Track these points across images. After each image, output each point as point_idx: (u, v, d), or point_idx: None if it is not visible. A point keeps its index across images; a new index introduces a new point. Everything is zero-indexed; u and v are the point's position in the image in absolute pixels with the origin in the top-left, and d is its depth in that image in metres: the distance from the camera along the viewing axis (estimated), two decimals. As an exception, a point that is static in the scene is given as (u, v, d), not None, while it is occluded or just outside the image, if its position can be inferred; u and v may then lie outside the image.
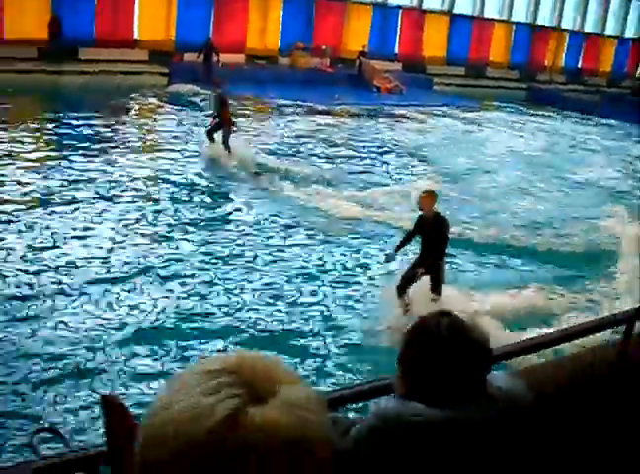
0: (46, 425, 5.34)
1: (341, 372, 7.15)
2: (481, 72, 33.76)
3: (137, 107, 20.69)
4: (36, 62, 22.43)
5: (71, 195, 11.94)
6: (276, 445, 0.80)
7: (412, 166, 16.95)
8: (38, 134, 16.39)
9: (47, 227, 10.28)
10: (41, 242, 9.71)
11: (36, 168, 13.38)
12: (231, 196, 13.25)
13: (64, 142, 15.62)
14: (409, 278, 8.40)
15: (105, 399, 1.18)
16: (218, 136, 15.06)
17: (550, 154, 20.40)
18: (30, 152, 14.49)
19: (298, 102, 22.87)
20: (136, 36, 25.50)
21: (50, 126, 17.38)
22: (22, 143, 15.08)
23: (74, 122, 17.45)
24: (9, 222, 10.34)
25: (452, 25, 33.26)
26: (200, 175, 14.13)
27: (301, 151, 17.00)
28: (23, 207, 11.05)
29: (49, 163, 13.88)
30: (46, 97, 20.93)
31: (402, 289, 8.39)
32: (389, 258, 9.05)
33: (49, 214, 10.87)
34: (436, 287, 8.40)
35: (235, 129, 15.34)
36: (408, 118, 23.67)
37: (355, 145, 18.51)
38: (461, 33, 33.30)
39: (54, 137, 16.51)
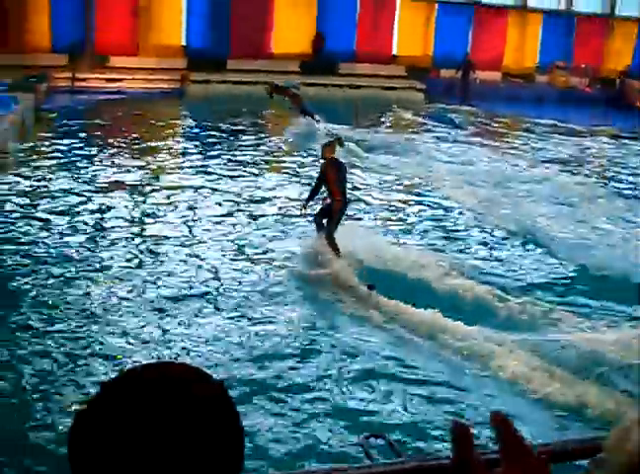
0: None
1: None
2: None
3: (394, 121, 21.02)
4: (299, 75, 23.71)
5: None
6: None
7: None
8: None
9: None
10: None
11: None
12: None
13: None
14: (320, 214, 9.62)
15: (456, 426, 1.02)
16: None
17: None
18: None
19: (556, 123, 22.10)
20: (394, 52, 26.18)
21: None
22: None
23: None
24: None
25: None
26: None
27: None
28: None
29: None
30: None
31: (316, 222, 9.63)
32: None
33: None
34: (327, 231, 9.20)
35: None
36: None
37: (614, 169, 17.71)
38: None
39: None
